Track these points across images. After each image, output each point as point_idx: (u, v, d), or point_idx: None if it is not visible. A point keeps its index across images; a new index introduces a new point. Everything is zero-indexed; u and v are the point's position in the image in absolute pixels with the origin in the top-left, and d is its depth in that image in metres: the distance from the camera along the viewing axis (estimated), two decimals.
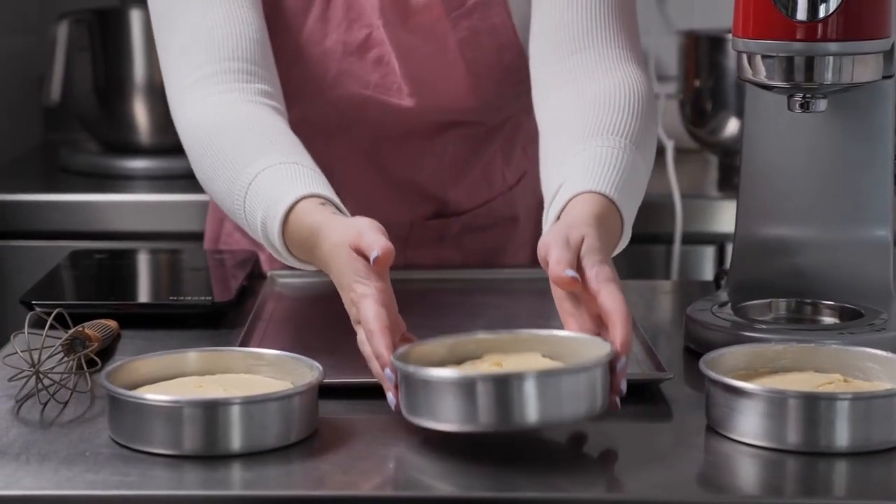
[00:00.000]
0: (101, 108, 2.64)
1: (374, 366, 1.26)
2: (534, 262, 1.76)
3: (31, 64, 2.91)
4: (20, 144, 2.91)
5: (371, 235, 1.29)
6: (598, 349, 1.22)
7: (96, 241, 2.36)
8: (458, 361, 1.27)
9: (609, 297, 1.25)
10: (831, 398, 1.21)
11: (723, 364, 1.30)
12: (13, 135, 2.88)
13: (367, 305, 1.26)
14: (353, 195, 1.60)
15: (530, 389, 1.14)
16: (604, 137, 1.45)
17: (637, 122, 1.49)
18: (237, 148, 1.47)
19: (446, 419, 1.17)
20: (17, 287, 2.38)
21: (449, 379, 1.16)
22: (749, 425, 1.23)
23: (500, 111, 1.76)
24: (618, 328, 1.23)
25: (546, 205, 1.43)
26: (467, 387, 1.15)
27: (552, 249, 1.28)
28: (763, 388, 1.23)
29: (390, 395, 1.23)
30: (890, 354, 1.30)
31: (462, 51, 1.67)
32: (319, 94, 1.69)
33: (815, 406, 1.21)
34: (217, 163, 1.48)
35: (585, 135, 1.46)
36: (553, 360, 1.27)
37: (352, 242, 1.31)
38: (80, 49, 2.62)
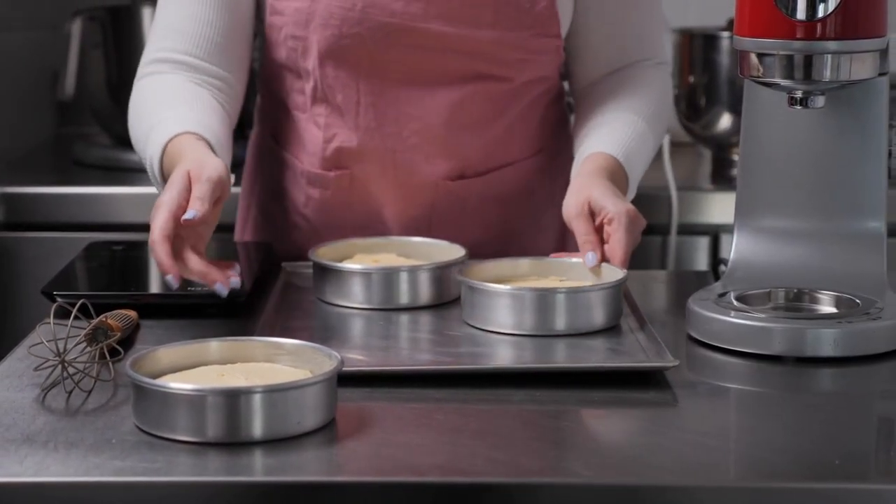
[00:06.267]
0: (114, 103, 2.63)
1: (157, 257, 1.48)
2: (557, 246, 1.87)
3: (45, 59, 2.90)
4: (33, 138, 2.90)
5: (204, 188, 1.48)
6: (448, 252, 1.65)
7: (110, 232, 2.35)
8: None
9: (615, 242, 1.55)
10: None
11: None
12: (26, 128, 2.87)
13: (160, 213, 1.47)
14: (384, 147, 1.76)
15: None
16: (622, 113, 1.76)
17: (651, 105, 1.79)
18: (150, 109, 1.69)
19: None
20: (33, 277, 2.38)
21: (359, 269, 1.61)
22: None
23: (524, 65, 1.77)
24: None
25: (574, 164, 1.73)
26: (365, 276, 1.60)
27: (574, 223, 1.58)
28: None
29: (170, 278, 1.46)
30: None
31: None
32: (347, 28, 1.71)
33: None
34: (136, 120, 1.72)
35: (609, 111, 1.77)
36: (407, 258, 1.67)
37: (192, 172, 1.51)
38: (93, 45, 2.61)
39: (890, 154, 1.54)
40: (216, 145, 1.61)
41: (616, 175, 1.67)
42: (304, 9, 1.72)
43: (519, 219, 1.86)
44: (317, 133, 1.78)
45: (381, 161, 1.77)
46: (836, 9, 1.40)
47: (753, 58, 1.46)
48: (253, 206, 1.90)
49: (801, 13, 1.41)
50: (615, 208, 1.55)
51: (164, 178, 1.61)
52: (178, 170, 1.52)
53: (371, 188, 1.79)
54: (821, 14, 1.41)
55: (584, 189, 1.61)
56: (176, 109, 1.65)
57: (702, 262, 2.44)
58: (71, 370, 1.33)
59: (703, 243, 2.44)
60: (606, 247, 1.56)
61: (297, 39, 1.74)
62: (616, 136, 1.72)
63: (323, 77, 1.74)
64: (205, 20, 1.72)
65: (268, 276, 1.73)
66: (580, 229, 1.57)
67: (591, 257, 1.55)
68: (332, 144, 1.78)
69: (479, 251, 1.77)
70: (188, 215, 1.45)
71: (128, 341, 1.48)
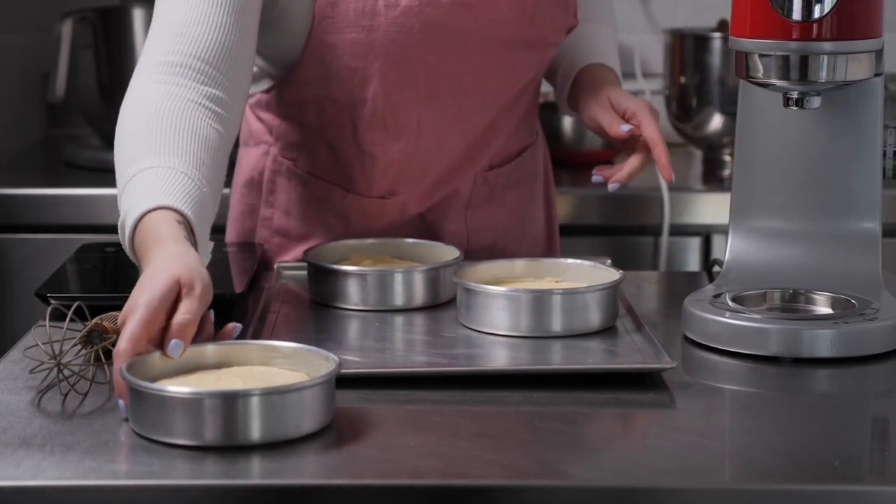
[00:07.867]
0: (105, 104, 2.62)
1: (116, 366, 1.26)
2: (547, 221, 1.92)
3: (35, 61, 2.88)
4: (24, 140, 2.88)
5: (195, 305, 1.30)
6: (443, 254, 1.67)
7: (101, 234, 2.34)
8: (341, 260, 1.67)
9: (646, 127, 1.71)
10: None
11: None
12: (17, 130, 2.86)
13: (137, 316, 1.27)
14: (440, 162, 1.77)
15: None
16: (589, 25, 1.88)
17: (600, 8, 1.94)
18: (138, 138, 1.50)
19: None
20: (24, 279, 2.37)
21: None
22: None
23: (551, 51, 1.80)
24: (658, 152, 1.69)
25: (562, 73, 1.87)
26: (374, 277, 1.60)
27: (600, 118, 1.76)
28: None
29: (121, 402, 1.25)
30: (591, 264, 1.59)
31: None
32: (408, 51, 1.68)
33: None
34: (123, 143, 1.51)
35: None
36: (402, 259, 1.69)
37: (183, 280, 1.31)
38: (83, 46, 2.60)
39: (885, 154, 1.54)
40: (196, 223, 1.42)
41: (614, 80, 1.84)
42: (362, 39, 1.66)
43: (529, 203, 1.89)
44: (368, 160, 1.75)
45: (434, 174, 1.78)
46: (832, 9, 1.40)
47: (749, 58, 1.45)
48: (266, 228, 1.84)
49: (797, 14, 1.41)
50: (634, 104, 1.74)
51: (133, 244, 1.42)
52: (163, 269, 1.32)
53: (421, 201, 1.80)
54: (817, 15, 1.40)
55: (600, 93, 1.79)
56: (165, 156, 1.46)
57: (693, 263, 2.43)
58: (66, 373, 1.32)
59: (695, 244, 2.44)
60: (644, 132, 1.71)
61: (354, 70, 1.68)
62: (595, 46, 1.88)
63: (386, 103, 1.70)
64: (216, 24, 1.57)
65: (262, 278, 1.72)
66: (608, 119, 1.75)
67: (624, 126, 1.72)
68: (391, 168, 1.75)
69: (503, 239, 1.83)
70: (174, 350, 1.27)
71: None
